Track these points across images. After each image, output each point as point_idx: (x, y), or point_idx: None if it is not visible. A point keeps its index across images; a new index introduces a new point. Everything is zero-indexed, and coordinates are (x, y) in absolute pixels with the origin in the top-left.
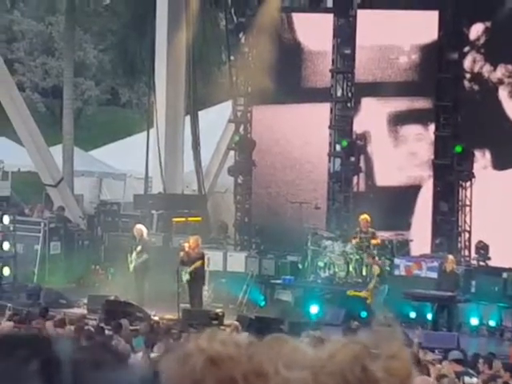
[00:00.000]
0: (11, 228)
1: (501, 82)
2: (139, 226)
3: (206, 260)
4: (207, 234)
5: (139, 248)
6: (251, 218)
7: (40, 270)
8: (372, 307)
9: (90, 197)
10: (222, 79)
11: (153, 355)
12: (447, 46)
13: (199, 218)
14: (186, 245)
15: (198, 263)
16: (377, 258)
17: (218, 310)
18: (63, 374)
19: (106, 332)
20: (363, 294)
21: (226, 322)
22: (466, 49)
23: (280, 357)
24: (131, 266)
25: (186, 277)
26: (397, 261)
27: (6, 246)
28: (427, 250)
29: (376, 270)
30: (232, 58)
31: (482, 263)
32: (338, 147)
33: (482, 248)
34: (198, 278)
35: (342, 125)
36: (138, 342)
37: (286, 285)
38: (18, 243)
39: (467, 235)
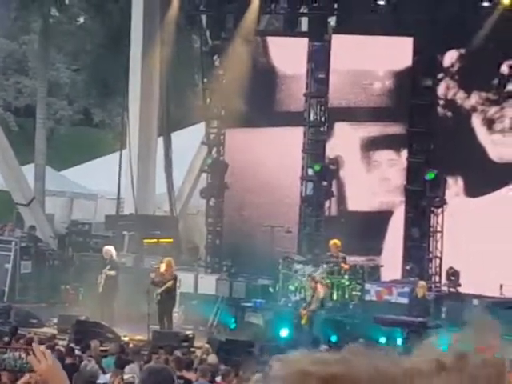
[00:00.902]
0: None
1: (474, 109)
2: (108, 248)
3: (177, 282)
4: (178, 256)
5: (108, 268)
6: (222, 241)
7: (10, 288)
8: (308, 330)
9: (61, 216)
10: (196, 101)
11: (125, 376)
12: (421, 72)
13: (170, 240)
14: (160, 265)
15: (170, 283)
16: (320, 283)
17: (189, 332)
18: None
19: (76, 352)
20: (303, 312)
21: (196, 344)
22: (440, 75)
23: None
24: (100, 287)
25: (157, 298)
26: (367, 286)
27: None
28: (398, 275)
29: (320, 293)
30: (206, 80)
31: (452, 289)
32: (310, 171)
33: (453, 274)
34: (168, 299)
35: (314, 149)
36: (107, 363)
37: (257, 308)
38: None
39: (438, 261)
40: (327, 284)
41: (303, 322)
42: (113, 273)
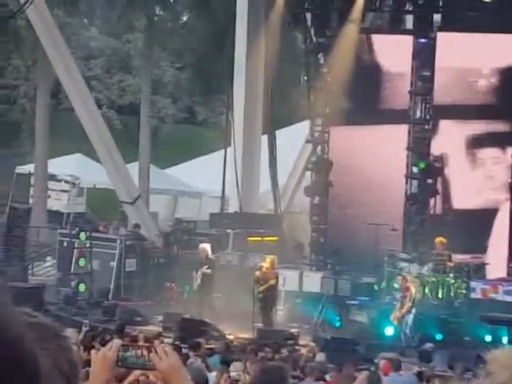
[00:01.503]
0: (87, 244)
1: None
2: (203, 246)
3: (279, 280)
4: (283, 254)
5: (205, 267)
6: (327, 239)
7: (115, 286)
8: (401, 329)
9: (165, 215)
10: (300, 99)
11: (231, 374)
12: None
13: (275, 238)
14: (263, 264)
15: (272, 282)
16: (411, 282)
17: (293, 330)
18: None
19: (183, 351)
20: (395, 315)
21: (301, 342)
22: None
23: None
24: (195, 285)
25: (259, 295)
26: (473, 284)
27: (82, 262)
28: (503, 273)
29: (413, 293)
30: (310, 78)
31: None
32: (415, 169)
33: None
34: (270, 297)
35: (419, 147)
36: (213, 361)
37: (362, 306)
38: (93, 260)
39: None
40: (421, 282)
41: (396, 323)
42: (209, 271)
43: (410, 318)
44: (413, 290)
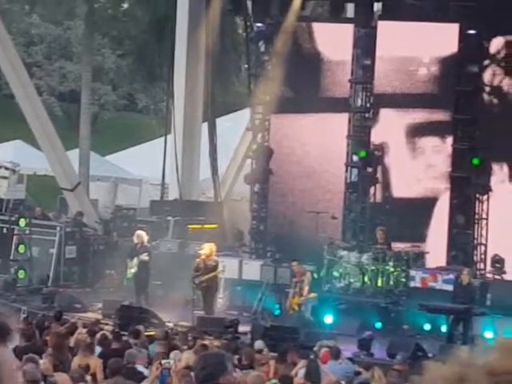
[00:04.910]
0: (27, 231)
1: None
2: (140, 232)
3: (220, 268)
4: (223, 242)
5: (144, 254)
6: (267, 227)
7: (55, 273)
8: (301, 316)
9: (105, 202)
10: (241, 87)
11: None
12: (467, 58)
13: (215, 225)
14: (202, 252)
15: (214, 272)
16: (305, 268)
17: (233, 318)
18: None
19: (123, 338)
20: (295, 300)
21: (240, 329)
22: (486, 62)
23: None
24: (130, 272)
25: (200, 285)
26: (412, 272)
27: (21, 249)
28: (443, 262)
29: (308, 278)
30: (251, 66)
31: (497, 277)
32: (355, 157)
33: (498, 261)
34: (212, 286)
35: (359, 135)
36: (154, 349)
37: None
38: (33, 246)
39: (483, 248)
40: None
41: (296, 309)
42: (147, 258)
43: (312, 303)
44: (308, 275)
